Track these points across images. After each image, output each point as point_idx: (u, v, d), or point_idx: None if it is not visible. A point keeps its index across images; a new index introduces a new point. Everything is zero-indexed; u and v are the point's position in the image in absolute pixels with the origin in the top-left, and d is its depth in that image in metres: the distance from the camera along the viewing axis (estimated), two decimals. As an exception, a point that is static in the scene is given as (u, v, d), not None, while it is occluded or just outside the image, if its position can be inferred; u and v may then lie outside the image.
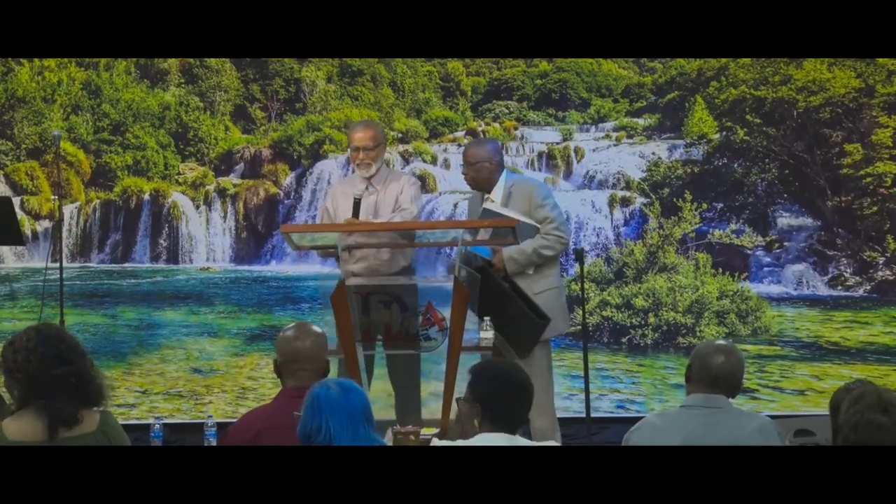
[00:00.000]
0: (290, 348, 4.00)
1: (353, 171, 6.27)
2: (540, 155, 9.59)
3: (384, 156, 6.08)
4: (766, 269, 8.97)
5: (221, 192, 9.53)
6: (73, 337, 3.57)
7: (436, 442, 3.77)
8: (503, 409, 3.56)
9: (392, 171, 6.56)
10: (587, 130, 9.69)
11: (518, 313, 5.54)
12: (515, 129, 9.76)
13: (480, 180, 5.86)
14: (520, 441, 3.55)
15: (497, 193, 5.82)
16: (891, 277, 8.76)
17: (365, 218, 5.78)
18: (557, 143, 9.59)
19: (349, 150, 6.07)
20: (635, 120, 9.56)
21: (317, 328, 4.09)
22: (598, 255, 9.03)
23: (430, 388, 6.05)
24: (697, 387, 3.92)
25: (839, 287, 8.89)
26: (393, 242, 5.75)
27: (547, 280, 5.82)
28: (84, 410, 3.48)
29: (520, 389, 3.60)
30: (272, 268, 9.45)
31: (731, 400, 3.93)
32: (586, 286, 8.49)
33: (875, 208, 8.76)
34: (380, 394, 5.98)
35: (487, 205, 5.78)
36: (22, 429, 3.44)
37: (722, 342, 4.04)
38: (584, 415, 6.22)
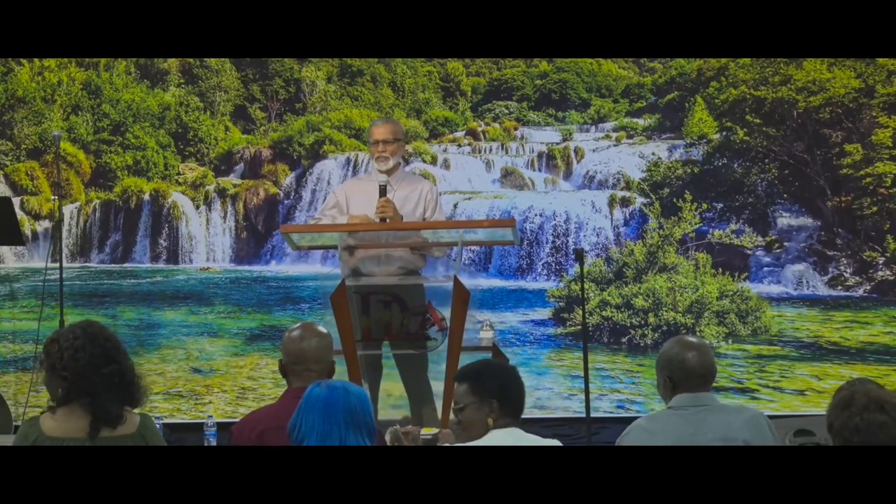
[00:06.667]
0: (295, 349, 4.00)
1: (366, 171, 6.26)
2: (540, 155, 9.59)
3: (402, 154, 6.11)
4: (766, 269, 8.97)
5: (221, 193, 9.53)
6: (115, 335, 3.56)
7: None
8: (516, 401, 3.63)
9: (410, 172, 6.54)
10: (587, 130, 9.70)
11: None
12: (515, 129, 9.76)
13: None
14: (527, 438, 3.57)
15: None
16: (891, 277, 8.76)
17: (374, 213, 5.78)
18: (557, 144, 9.60)
19: (368, 145, 6.07)
20: (635, 120, 9.56)
21: (322, 329, 4.08)
22: (598, 255, 9.03)
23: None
24: (682, 390, 3.89)
25: (839, 287, 8.89)
26: (401, 243, 5.72)
27: None
28: (127, 410, 3.49)
29: (521, 382, 3.71)
30: (272, 268, 9.45)
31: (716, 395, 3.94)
32: (586, 286, 8.50)
33: (875, 208, 8.76)
34: (380, 393, 5.97)
35: None
36: (62, 426, 3.44)
37: (680, 340, 3.98)
38: (584, 415, 6.21)
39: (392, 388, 6.02)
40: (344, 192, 6.01)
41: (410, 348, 5.59)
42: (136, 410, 3.54)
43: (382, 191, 5.73)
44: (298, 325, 4.12)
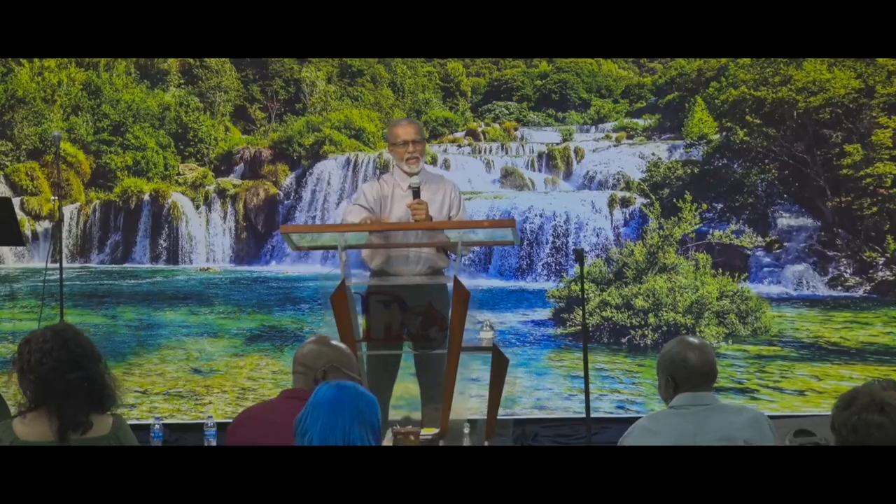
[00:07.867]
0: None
1: (379, 173, 6.25)
2: (540, 155, 9.59)
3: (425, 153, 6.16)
4: (765, 269, 8.97)
5: (221, 193, 9.53)
6: (89, 340, 3.54)
7: None
8: None
9: (431, 172, 6.54)
10: (587, 131, 9.70)
11: None
12: (515, 129, 9.76)
13: None
14: None
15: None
16: (890, 278, 8.76)
17: (406, 217, 5.77)
18: (557, 144, 9.59)
19: (393, 147, 6.01)
20: (635, 120, 9.56)
21: (330, 341, 4.09)
22: (598, 256, 9.03)
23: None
24: (684, 389, 3.89)
25: (839, 287, 8.89)
26: (428, 243, 5.71)
27: None
28: (95, 415, 3.48)
29: None
30: (272, 268, 9.45)
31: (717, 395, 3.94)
32: (586, 286, 8.50)
33: (875, 208, 8.76)
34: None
35: None
36: (33, 430, 3.43)
37: (682, 340, 3.98)
38: (584, 415, 6.22)
39: (393, 388, 6.03)
40: (377, 198, 5.94)
41: (428, 348, 5.57)
42: (110, 413, 3.54)
43: (416, 192, 5.75)
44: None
